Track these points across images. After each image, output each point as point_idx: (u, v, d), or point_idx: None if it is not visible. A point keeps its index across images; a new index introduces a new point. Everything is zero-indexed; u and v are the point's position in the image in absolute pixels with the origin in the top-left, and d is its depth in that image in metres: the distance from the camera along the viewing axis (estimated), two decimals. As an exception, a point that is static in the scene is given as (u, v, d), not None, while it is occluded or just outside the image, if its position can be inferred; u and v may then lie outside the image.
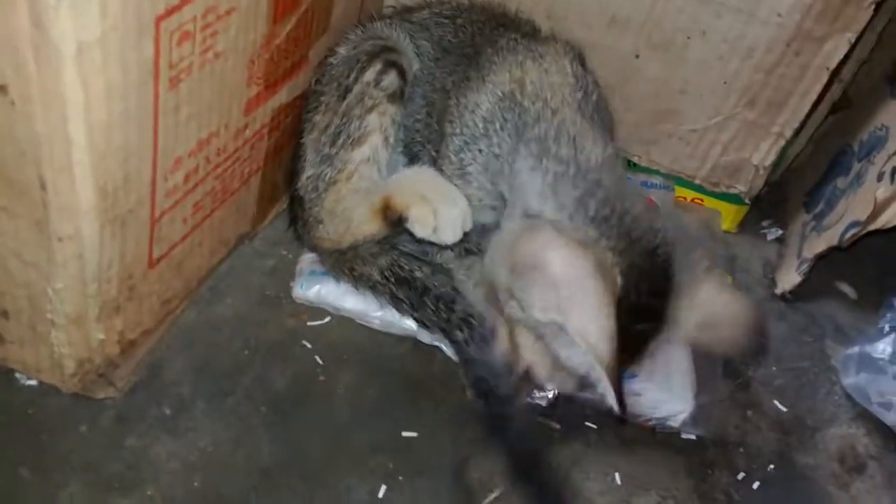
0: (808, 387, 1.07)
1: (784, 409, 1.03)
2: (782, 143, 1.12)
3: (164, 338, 0.90)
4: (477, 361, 0.88)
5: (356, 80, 0.90)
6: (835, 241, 1.08)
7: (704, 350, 0.88)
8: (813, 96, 1.07)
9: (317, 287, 0.96)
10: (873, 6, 0.98)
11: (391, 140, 0.92)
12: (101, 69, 0.58)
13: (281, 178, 1.04)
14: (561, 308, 0.70)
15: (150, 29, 0.62)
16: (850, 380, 1.05)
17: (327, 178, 0.91)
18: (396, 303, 0.93)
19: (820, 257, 1.12)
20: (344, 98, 0.90)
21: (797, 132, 1.16)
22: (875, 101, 1.14)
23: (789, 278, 1.16)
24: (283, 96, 0.93)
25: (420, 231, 0.85)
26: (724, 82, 1.08)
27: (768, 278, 1.20)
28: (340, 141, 0.90)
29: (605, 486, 0.89)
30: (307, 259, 0.99)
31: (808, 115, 1.13)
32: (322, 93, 0.92)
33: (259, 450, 0.83)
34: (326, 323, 0.97)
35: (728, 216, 1.24)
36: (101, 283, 0.74)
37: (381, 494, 0.82)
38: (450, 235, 0.85)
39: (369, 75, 0.90)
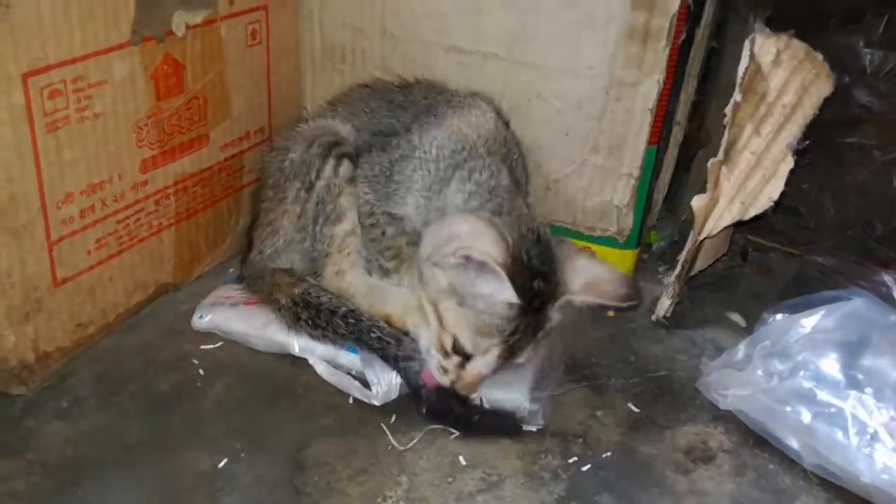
0: (670, 395, 1.12)
1: (637, 410, 1.09)
2: (634, 182, 1.26)
3: (80, 357, 1.10)
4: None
5: (318, 174, 1.13)
6: (681, 259, 1.17)
7: (593, 304, 1.03)
8: (644, 136, 1.22)
9: (210, 316, 1.15)
10: (667, 50, 1.15)
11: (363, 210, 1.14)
12: (-25, 104, 0.86)
13: (203, 242, 1.28)
14: (464, 243, 0.93)
15: (18, 81, 0.89)
16: (701, 380, 1.10)
17: (319, 251, 1.14)
18: (296, 322, 1.11)
19: (678, 278, 1.21)
20: (311, 189, 1.13)
21: (654, 174, 1.29)
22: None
23: (662, 304, 1.24)
24: (185, 165, 1.18)
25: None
26: (567, 133, 1.25)
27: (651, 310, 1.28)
28: (321, 220, 1.13)
29: (433, 464, 0.98)
30: (212, 296, 1.19)
31: (657, 157, 1.27)
32: (286, 188, 1.15)
33: (128, 432, 0.99)
34: (217, 346, 1.14)
35: (615, 261, 1.35)
36: (5, 287, 0.97)
37: (221, 465, 0.95)
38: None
39: (328, 170, 1.13)
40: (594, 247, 1.33)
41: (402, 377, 1.04)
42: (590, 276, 1.01)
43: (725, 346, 1.20)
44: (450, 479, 0.96)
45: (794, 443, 0.97)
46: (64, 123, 0.97)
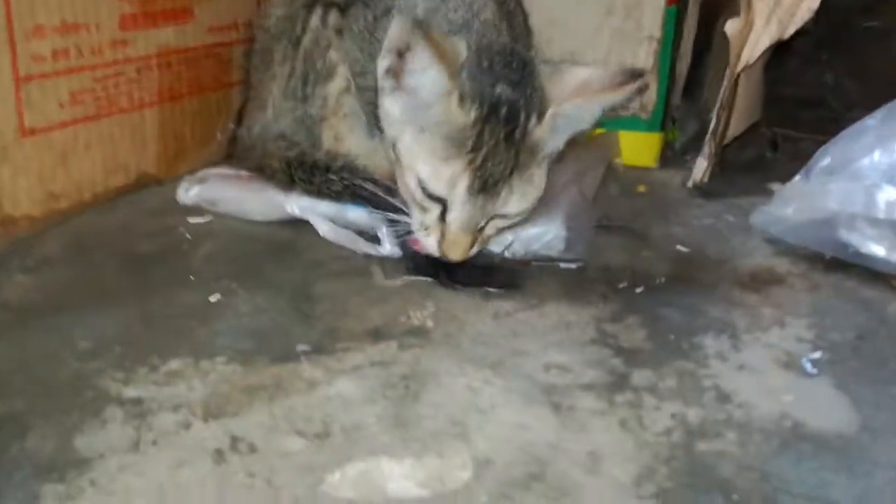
0: (720, 238, 1.00)
1: (686, 250, 0.96)
2: (655, 46, 1.17)
3: (50, 231, 0.97)
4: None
5: (304, 28, 1.03)
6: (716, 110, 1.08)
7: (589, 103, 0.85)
8: (662, -5, 1.14)
9: (198, 187, 1.03)
10: None
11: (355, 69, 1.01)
12: None
13: (189, 135, 1.16)
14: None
15: None
16: (755, 214, 0.98)
17: (313, 116, 1.02)
18: (291, 183, 0.99)
19: (714, 134, 1.10)
20: (298, 44, 1.03)
21: (676, 40, 1.21)
22: None
23: (699, 167, 1.13)
24: (169, 36, 1.09)
25: None
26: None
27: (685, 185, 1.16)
28: (311, 79, 1.02)
29: (460, 294, 0.84)
30: (200, 172, 1.06)
31: (678, 20, 1.19)
32: (272, 51, 1.06)
33: (105, 282, 0.86)
34: (206, 220, 1.01)
35: (641, 145, 1.25)
36: (-36, 121, 0.85)
37: (213, 299, 0.81)
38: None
39: (315, 20, 1.03)
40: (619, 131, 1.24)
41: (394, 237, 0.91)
42: (579, 79, 0.85)
43: (771, 207, 1.09)
44: (482, 304, 0.82)
45: (876, 247, 0.85)
46: (34, -62, 0.88)
